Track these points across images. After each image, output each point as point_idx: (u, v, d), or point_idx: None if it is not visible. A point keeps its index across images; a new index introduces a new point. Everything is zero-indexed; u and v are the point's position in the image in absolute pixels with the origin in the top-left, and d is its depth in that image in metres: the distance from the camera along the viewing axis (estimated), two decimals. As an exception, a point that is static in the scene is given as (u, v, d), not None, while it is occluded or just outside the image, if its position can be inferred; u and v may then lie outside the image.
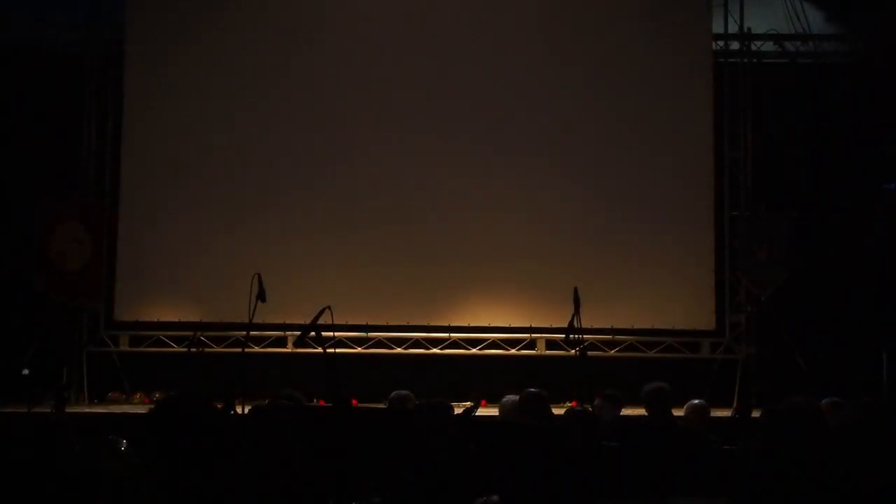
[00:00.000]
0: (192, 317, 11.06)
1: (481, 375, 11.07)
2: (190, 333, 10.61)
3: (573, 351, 9.77)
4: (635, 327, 11.41)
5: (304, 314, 9.92)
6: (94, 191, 11.63)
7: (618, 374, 10.09)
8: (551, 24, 11.67)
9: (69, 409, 8.70)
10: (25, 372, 10.41)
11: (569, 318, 6.05)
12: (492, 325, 11.45)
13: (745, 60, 11.99)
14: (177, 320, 11.20)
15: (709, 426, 6.94)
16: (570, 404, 9.29)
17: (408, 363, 11.18)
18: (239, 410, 5.36)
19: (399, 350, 11.46)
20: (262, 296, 5.76)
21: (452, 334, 11.47)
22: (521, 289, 11.32)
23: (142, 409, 10.30)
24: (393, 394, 6.69)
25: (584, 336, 6.16)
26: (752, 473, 2.47)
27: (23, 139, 11.56)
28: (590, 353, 10.05)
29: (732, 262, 11.60)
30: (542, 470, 2.88)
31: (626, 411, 7.82)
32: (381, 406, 6.87)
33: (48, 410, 7.58)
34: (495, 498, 3.48)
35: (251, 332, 8.36)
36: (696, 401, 7.31)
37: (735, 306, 11.60)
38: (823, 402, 5.69)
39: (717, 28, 11.93)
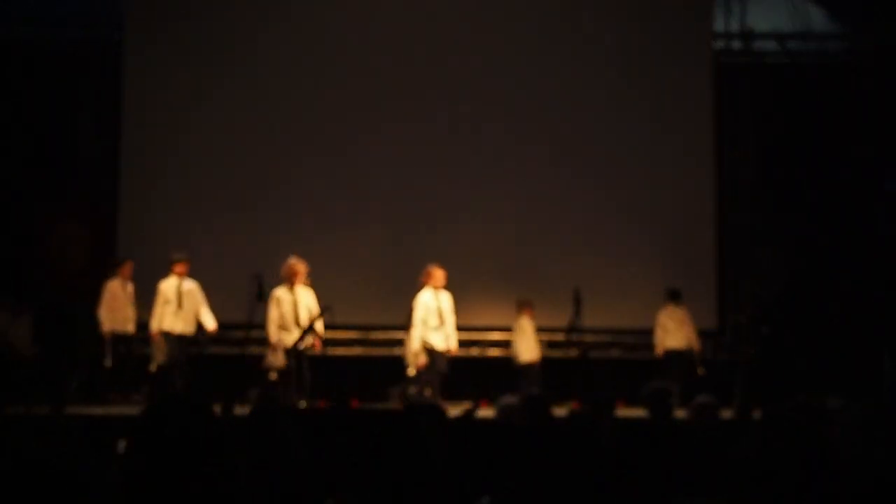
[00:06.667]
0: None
1: (481, 375, 11.06)
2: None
3: (573, 351, 9.78)
4: (636, 327, 11.39)
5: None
6: (94, 190, 11.61)
7: (618, 375, 10.10)
8: (552, 23, 11.66)
9: (69, 410, 8.69)
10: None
11: (569, 318, 6.05)
12: (491, 325, 11.43)
13: (747, 60, 11.98)
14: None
15: (710, 426, 6.92)
16: (570, 405, 9.27)
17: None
18: (238, 411, 5.36)
19: (399, 350, 11.44)
20: (261, 296, 5.76)
21: (452, 334, 11.44)
22: (521, 289, 11.30)
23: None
24: (406, 394, 6.69)
25: (585, 336, 6.15)
26: (751, 474, 2.46)
27: (22, 138, 11.54)
28: (590, 353, 10.07)
29: (732, 262, 11.58)
30: (542, 472, 2.87)
31: (625, 412, 7.80)
32: (382, 407, 6.87)
33: (47, 411, 7.58)
34: (492, 500, 3.48)
35: (251, 332, 8.34)
36: (702, 398, 7.27)
37: (735, 306, 11.58)
38: (836, 403, 5.65)
39: (718, 27, 11.92)
